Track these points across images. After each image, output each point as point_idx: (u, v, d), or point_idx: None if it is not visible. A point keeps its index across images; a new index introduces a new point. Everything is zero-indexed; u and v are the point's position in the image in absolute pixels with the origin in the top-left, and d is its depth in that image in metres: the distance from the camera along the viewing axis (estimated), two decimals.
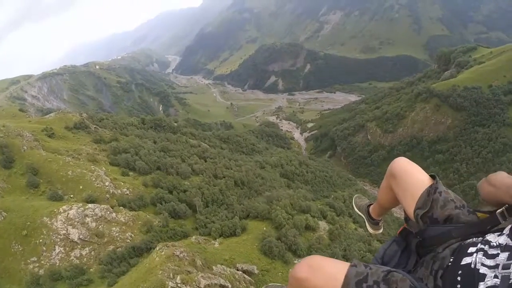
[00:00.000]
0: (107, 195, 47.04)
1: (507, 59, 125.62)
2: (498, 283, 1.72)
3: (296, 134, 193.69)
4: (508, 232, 1.97)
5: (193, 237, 43.57)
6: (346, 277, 2.00)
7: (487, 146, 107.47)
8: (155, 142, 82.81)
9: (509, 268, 1.74)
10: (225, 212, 56.04)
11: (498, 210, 2.18)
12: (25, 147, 50.55)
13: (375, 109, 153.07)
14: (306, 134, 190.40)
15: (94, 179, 47.73)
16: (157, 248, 33.44)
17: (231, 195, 61.99)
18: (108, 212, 41.52)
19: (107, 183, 48.12)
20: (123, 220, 42.06)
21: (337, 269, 2.06)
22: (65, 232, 38.01)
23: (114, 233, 40.35)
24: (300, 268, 2.11)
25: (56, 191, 45.56)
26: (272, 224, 50.47)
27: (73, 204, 40.91)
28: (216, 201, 57.76)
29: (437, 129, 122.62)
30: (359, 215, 4.19)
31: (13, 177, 46.53)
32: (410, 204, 2.51)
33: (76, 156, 55.42)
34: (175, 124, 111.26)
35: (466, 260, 1.96)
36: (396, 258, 2.60)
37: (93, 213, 40.54)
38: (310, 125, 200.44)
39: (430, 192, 2.42)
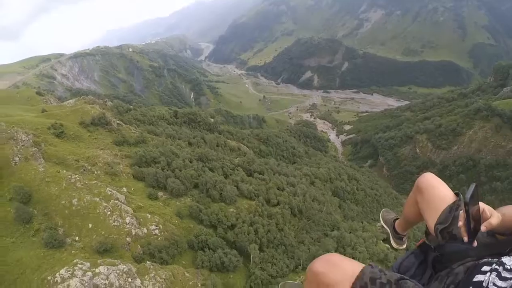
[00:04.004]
0: (128, 239, 30.93)
1: None
2: None
3: (332, 136, 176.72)
4: None
5: None
6: (362, 271, 2.05)
7: None
8: (190, 144, 66.88)
9: None
10: (285, 259, 39.72)
11: None
12: (18, 158, 34.32)
13: (424, 120, 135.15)
14: (342, 137, 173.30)
15: (109, 212, 31.48)
16: None
17: (288, 229, 45.46)
18: (130, 279, 25.49)
19: (127, 219, 31.87)
20: None
21: (354, 266, 2.11)
22: None
23: None
24: (319, 263, 2.15)
25: (55, 231, 29.54)
26: None
27: (76, 265, 24.80)
28: (272, 241, 41.25)
29: (497, 153, 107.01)
30: (384, 228, 4.04)
31: None
32: (432, 218, 2.51)
33: (89, 168, 39.20)
34: (212, 120, 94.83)
35: (478, 277, 1.95)
36: (412, 270, 2.56)
37: (106, 282, 24.51)
38: (347, 127, 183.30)
39: (453, 208, 2.42)
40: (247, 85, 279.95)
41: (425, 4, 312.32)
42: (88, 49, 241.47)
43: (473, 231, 2.02)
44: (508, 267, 1.87)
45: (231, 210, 42.98)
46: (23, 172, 33.31)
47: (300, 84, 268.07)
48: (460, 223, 2.08)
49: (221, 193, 44.89)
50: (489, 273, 1.90)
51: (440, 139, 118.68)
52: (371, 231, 54.95)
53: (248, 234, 38.84)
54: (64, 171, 34.67)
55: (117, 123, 57.47)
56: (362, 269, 2.03)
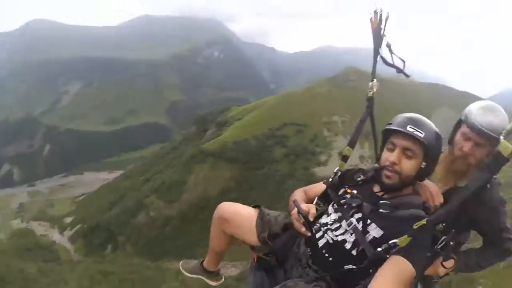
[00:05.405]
0: None
1: (259, 113, 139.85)
2: (355, 236, 2.10)
3: (56, 236, 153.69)
4: (331, 211, 2.35)
5: None
6: None
7: (267, 182, 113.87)
8: None
9: (352, 224, 2.14)
10: None
11: (313, 202, 2.58)
12: None
13: (146, 182, 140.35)
14: (68, 233, 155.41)
15: None
16: None
17: None
18: None
19: None
20: None
21: None
22: None
23: None
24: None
25: None
26: None
27: None
28: None
29: (219, 184, 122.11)
30: (195, 278, 3.70)
31: None
32: (251, 235, 2.69)
33: None
34: None
35: (322, 242, 2.26)
36: (266, 282, 2.61)
37: None
38: (68, 220, 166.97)
39: (262, 217, 2.68)
40: None
41: (123, 71, 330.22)
42: None
43: (308, 225, 2.26)
44: (330, 222, 2.31)
45: None
46: None
47: None
48: (299, 224, 2.27)
49: None
50: (325, 234, 2.28)
51: (169, 194, 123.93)
52: None
53: None
54: None
55: None
56: None
